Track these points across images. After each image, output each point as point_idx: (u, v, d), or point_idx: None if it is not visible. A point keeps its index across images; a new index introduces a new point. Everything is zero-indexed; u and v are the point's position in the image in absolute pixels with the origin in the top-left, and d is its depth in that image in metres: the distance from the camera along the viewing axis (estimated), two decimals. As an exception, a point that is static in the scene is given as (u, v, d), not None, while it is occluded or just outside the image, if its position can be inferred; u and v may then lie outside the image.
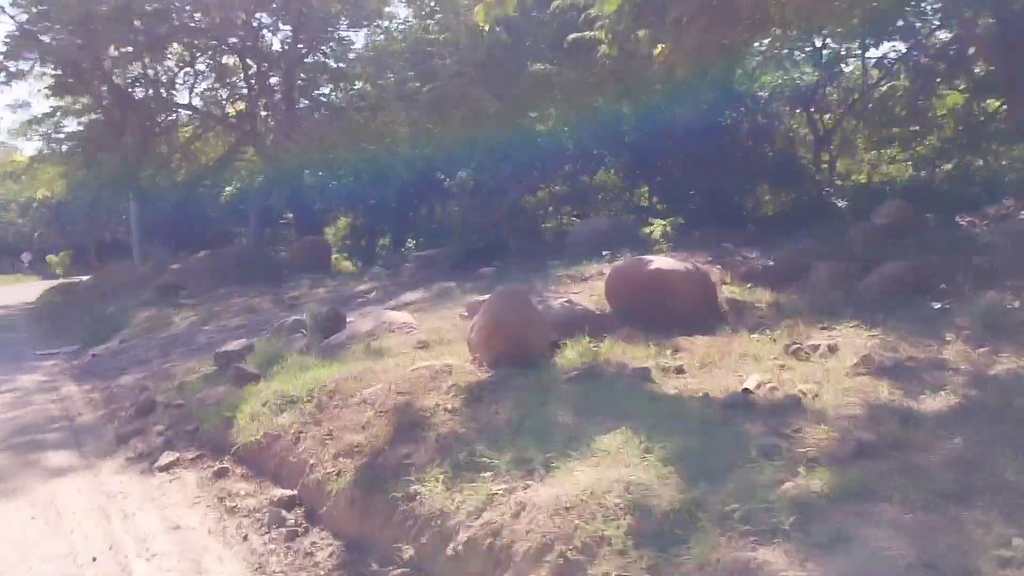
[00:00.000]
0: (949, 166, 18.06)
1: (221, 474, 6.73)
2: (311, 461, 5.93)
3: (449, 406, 5.86)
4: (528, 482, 4.49)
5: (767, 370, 5.87)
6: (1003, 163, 19.51)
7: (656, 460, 4.23)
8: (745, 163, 18.64)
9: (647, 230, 12.20)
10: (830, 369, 5.71)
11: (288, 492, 5.91)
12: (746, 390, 5.32)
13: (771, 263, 10.25)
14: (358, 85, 26.96)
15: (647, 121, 17.05)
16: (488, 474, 4.65)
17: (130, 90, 27.42)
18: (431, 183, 23.41)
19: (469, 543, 4.19)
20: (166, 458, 7.29)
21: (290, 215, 31.97)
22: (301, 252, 22.62)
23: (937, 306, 7.55)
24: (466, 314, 9.81)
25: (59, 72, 26.23)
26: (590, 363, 6.34)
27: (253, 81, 27.71)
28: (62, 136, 28.02)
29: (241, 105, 29.29)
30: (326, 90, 28.90)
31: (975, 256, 9.25)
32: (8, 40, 26.00)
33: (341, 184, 27.80)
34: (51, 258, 48.94)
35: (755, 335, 6.95)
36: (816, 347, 6.24)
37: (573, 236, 16.45)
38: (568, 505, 3.94)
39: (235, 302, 16.18)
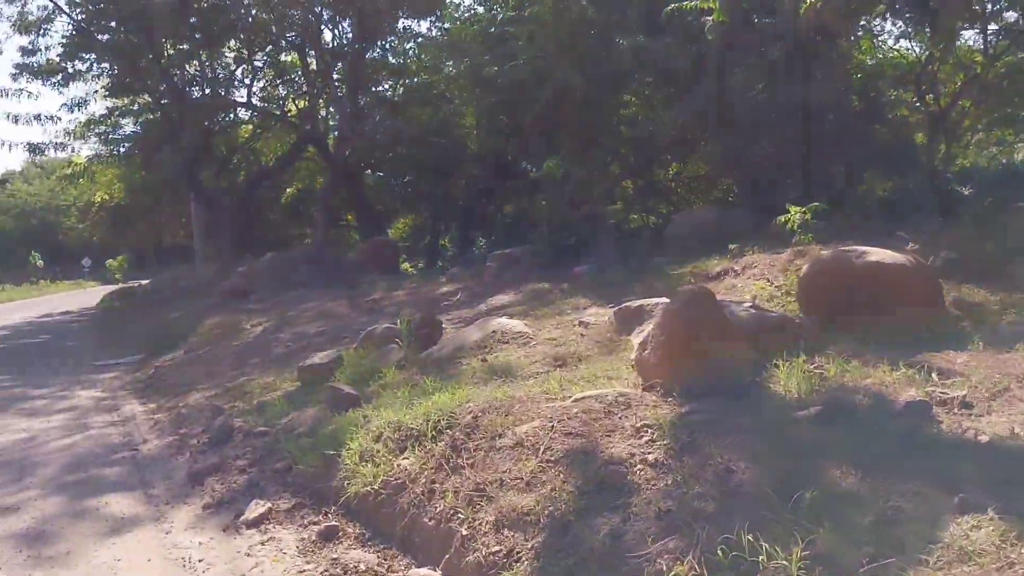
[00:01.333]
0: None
1: (329, 535, 5.09)
2: (461, 530, 4.25)
3: (651, 456, 4.15)
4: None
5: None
6: None
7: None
8: (852, 145, 16.62)
9: (782, 219, 10.38)
10: None
11: (432, 574, 4.24)
12: (1124, 440, 3.56)
13: (952, 255, 8.36)
14: (418, 79, 25.42)
15: (749, 99, 15.18)
16: (779, 585, 2.93)
17: (188, 89, 26.20)
18: (503, 177, 21.80)
19: None
20: (255, 509, 5.66)
21: (349, 216, 30.64)
22: (369, 253, 21.11)
23: None
24: (595, 321, 8.11)
25: (116, 71, 25.13)
26: (828, 392, 4.58)
27: (314, 77, 26.32)
28: (120, 137, 26.94)
29: (301, 103, 27.95)
30: (386, 86, 27.42)
31: None
32: (65, 40, 24.98)
33: (403, 182, 26.36)
34: (111, 262, 48.30)
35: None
36: None
37: (673, 230, 14.67)
38: None
39: (309, 306, 14.65)
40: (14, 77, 24.93)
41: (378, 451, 5.51)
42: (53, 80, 25.31)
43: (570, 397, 5.11)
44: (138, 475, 7.16)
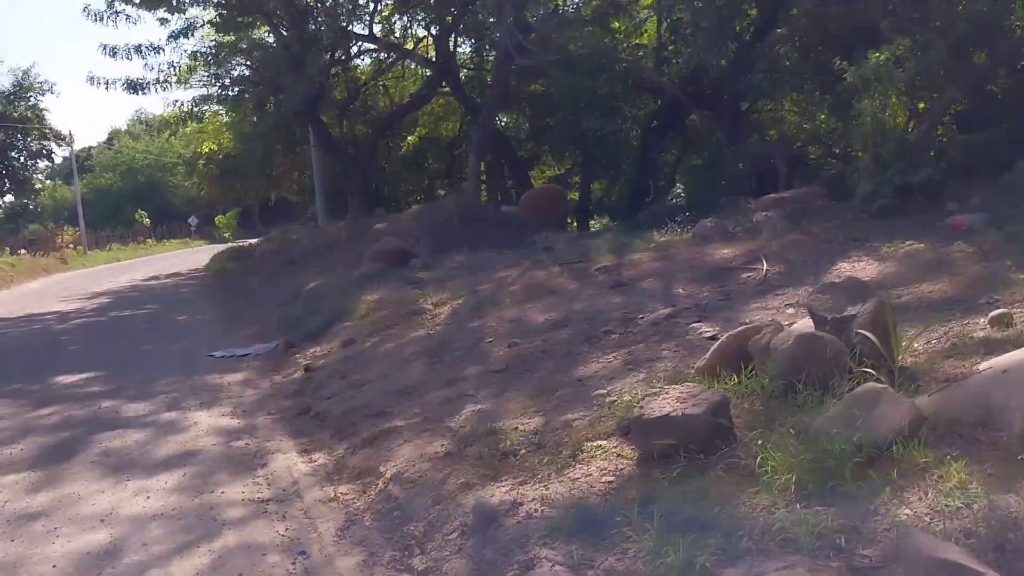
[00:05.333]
0: None
1: None
2: None
3: None
4: None
5: None
6: None
7: None
8: None
9: None
10: None
11: None
12: None
13: None
14: None
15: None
16: None
17: (307, 20, 21.50)
18: (702, 107, 16.60)
19: None
20: None
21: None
22: (533, 204, 16.27)
23: None
24: None
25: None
26: None
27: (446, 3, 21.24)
28: (230, 77, 22.49)
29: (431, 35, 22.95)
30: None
31: None
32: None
33: (552, 122, 21.15)
34: (219, 218, 44.70)
35: None
36: None
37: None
38: None
39: (503, 277, 9.84)
40: (109, 3, 20.49)
41: None
42: (154, 10, 20.94)
43: None
44: None
